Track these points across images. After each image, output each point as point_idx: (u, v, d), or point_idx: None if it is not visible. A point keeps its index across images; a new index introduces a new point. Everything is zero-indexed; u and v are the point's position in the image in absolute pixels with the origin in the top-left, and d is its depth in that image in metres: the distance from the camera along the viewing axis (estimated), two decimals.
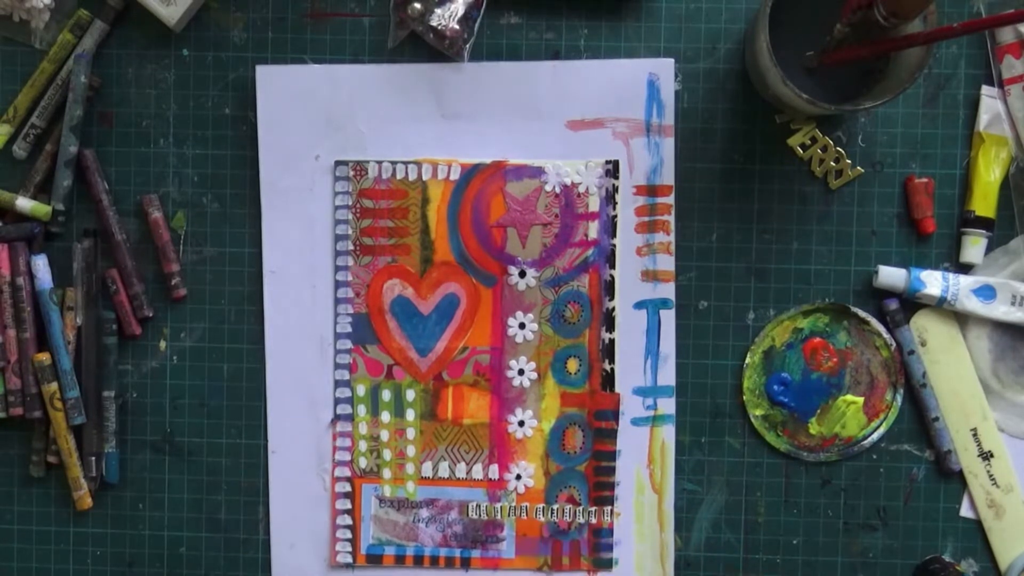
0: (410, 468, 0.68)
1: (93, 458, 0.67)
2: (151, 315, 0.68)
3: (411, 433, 0.67)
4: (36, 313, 0.67)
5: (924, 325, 0.67)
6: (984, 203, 0.66)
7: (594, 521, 0.67)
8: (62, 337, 0.67)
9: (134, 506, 0.69)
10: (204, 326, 0.68)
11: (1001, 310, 0.66)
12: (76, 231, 0.68)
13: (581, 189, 0.67)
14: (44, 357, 0.66)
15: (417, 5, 0.65)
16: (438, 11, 0.65)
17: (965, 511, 0.68)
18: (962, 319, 0.67)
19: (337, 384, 0.67)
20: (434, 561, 0.67)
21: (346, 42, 0.67)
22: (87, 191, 0.68)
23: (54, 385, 0.67)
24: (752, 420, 0.67)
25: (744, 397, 0.67)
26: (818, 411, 0.67)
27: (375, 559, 0.68)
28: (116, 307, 0.67)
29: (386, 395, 0.67)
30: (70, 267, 0.68)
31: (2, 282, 0.67)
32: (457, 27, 0.65)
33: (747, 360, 0.67)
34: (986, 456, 0.67)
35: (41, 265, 0.66)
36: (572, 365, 0.67)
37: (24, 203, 0.67)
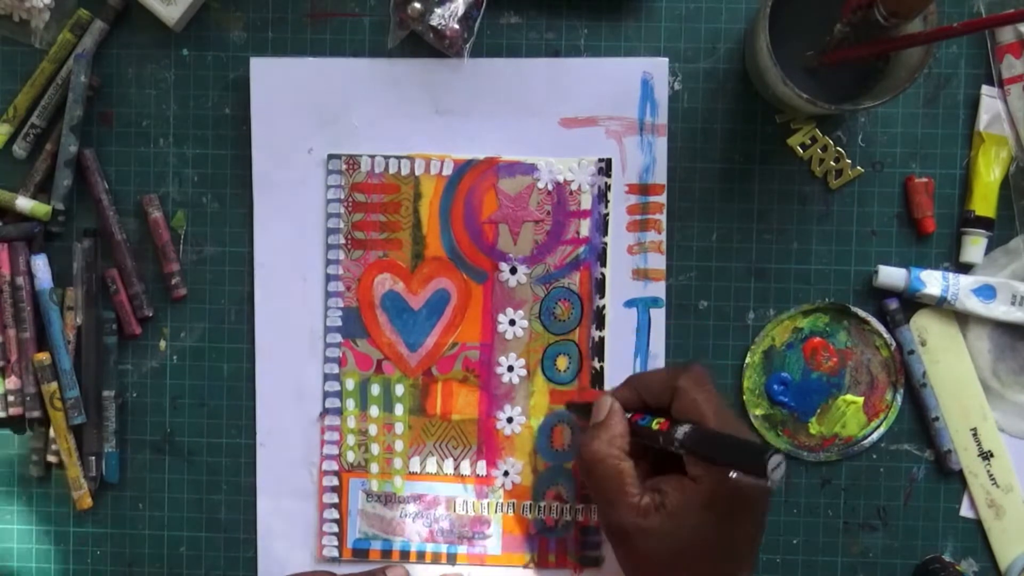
0: (398, 463, 0.67)
1: (93, 458, 0.67)
2: (151, 315, 0.68)
3: (399, 428, 0.67)
4: (36, 313, 0.67)
5: (924, 325, 0.67)
6: (984, 203, 0.66)
7: (581, 519, 0.67)
8: (62, 337, 0.67)
9: (134, 506, 0.69)
10: (204, 326, 0.68)
11: (1001, 310, 0.66)
12: (76, 231, 0.68)
13: (573, 187, 0.67)
14: (44, 357, 0.66)
15: (417, 5, 0.65)
16: (438, 11, 0.65)
17: (965, 511, 0.68)
18: (962, 319, 0.67)
19: (326, 378, 0.67)
20: (420, 556, 0.67)
21: (346, 42, 0.67)
22: (87, 191, 0.68)
23: (54, 385, 0.67)
24: (752, 420, 0.67)
25: (744, 397, 0.67)
26: (818, 411, 0.67)
27: (361, 553, 0.67)
28: (116, 307, 0.67)
29: (375, 389, 0.67)
30: (70, 267, 0.67)
31: (2, 282, 0.67)
32: (457, 27, 0.65)
33: (747, 360, 0.67)
34: (986, 456, 0.67)
35: (41, 265, 0.66)
36: (562, 362, 0.67)
37: (24, 203, 0.67)
